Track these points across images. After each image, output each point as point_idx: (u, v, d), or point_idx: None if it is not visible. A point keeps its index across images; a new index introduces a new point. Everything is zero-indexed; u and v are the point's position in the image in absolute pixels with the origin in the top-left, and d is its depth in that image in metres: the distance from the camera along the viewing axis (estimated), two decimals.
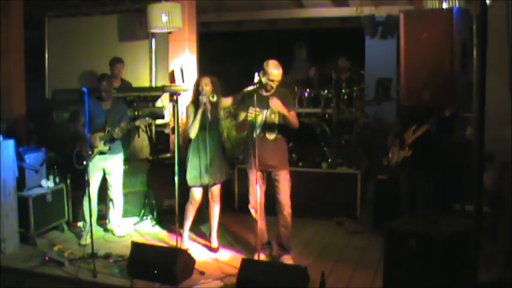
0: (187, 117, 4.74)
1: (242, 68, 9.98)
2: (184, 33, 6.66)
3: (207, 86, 4.65)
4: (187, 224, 4.90)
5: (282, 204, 4.52)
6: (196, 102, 4.68)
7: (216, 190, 4.87)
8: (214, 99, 4.61)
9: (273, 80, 4.35)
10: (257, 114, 4.33)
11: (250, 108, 4.29)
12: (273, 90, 4.41)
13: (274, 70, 4.33)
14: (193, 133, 4.66)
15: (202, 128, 4.65)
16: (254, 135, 4.41)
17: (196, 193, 4.81)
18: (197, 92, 4.70)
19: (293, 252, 4.80)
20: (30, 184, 5.25)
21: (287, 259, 4.55)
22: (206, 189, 4.87)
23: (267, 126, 4.44)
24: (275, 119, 4.44)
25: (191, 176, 4.74)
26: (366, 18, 7.67)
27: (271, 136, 4.46)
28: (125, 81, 6.45)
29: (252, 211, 4.57)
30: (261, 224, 4.57)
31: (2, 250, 4.76)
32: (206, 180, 4.74)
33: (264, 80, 4.35)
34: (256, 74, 4.39)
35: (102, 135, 5.04)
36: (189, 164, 4.75)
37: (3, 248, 4.77)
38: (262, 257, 4.44)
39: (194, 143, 4.72)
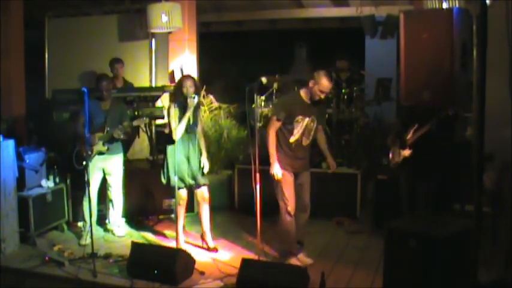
0: (171, 118, 4.66)
1: (242, 68, 10.00)
2: (184, 33, 6.66)
3: (191, 87, 4.65)
4: (180, 224, 4.90)
5: (307, 204, 4.56)
6: (179, 103, 4.65)
7: (204, 192, 4.86)
8: (195, 100, 4.61)
9: (323, 91, 4.31)
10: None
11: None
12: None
13: (327, 82, 4.28)
14: (179, 135, 4.64)
15: (185, 130, 4.66)
16: (291, 140, 4.41)
17: (183, 193, 4.82)
18: (180, 92, 4.66)
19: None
20: (30, 184, 5.24)
21: (304, 256, 4.58)
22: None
23: (306, 133, 4.45)
24: (313, 126, 4.48)
25: (173, 178, 4.67)
26: (366, 18, 7.67)
27: (306, 142, 4.49)
28: (128, 82, 6.46)
29: (288, 216, 4.43)
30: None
31: (2, 250, 4.76)
32: (191, 181, 4.75)
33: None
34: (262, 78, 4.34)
35: (101, 135, 5.04)
36: (172, 166, 4.68)
37: (3, 248, 4.77)
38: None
39: (176, 145, 4.65)
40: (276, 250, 4.74)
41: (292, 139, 4.42)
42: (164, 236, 5.41)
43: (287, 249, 4.52)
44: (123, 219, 5.61)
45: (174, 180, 4.64)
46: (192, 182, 4.76)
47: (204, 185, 4.82)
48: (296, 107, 4.38)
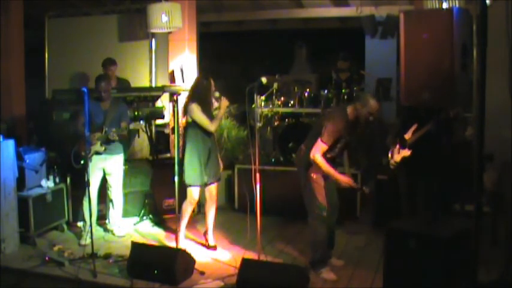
0: (200, 115, 4.66)
1: (242, 68, 10.01)
2: (184, 33, 6.66)
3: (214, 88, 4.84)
4: (184, 223, 4.91)
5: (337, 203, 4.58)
6: (202, 102, 4.69)
7: (214, 189, 4.89)
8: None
9: (371, 113, 4.16)
10: None
11: None
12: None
13: (375, 103, 4.12)
14: (215, 127, 4.78)
15: (203, 128, 4.70)
16: (329, 156, 4.23)
17: (195, 193, 4.83)
18: (207, 93, 4.75)
19: (293, 252, 4.82)
20: (30, 184, 5.24)
21: (336, 259, 4.57)
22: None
23: (342, 150, 4.42)
24: (349, 143, 4.47)
25: (192, 175, 4.73)
26: (366, 18, 7.68)
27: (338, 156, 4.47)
28: (122, 79, 6.44)
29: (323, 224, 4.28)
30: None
31: (2, 250, 4.76)
32: (206, 179, 4.77)
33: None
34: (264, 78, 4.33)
35: (99, 135, 5.03)
36: (189, 164, 4.73)
37: (3, 248, 4.76)
38: None
39: (194, 143, 4.72)
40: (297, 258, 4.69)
41: (329, 155, 4.25)
42: (164, 235, 5.41)
43: (320, 258, 4.30)
44: (124, 219, 5.61)
45: (194, 178, 4.69)
46: (205, 180, 4.78)
47: (212, 183, 4.84)
48: (344, 130, 4.19)
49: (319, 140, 4.11)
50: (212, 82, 4.81)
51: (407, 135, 4.56)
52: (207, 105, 4.79)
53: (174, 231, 4.87)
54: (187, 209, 4.86)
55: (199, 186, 4.81)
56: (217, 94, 4.80)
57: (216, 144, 4.98)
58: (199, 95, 4.74)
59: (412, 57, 3.03)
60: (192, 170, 4.72)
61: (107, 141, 5.07)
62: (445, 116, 4.40)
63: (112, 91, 5.36)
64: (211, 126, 4.72)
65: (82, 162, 4.82)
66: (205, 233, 5.04)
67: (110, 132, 4.96)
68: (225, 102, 4.76)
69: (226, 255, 4.79)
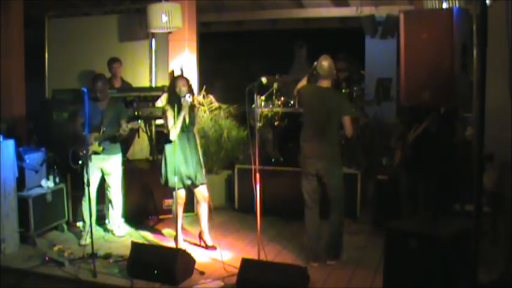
0: (167, 119, 4.64)
1: (242, 68, 9.99)
2: (184, 33, 6.67)
3: (184, 87, 4.66)
4: (179, 224, 4.91)
5: None
6: (173, 104, 4.60)
7: (203, 191, 4.87)
8: (190, 99, 4.60)
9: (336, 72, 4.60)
10: None
11: None
12: None
13: (324, 62, 4.43)
14: (175, 135, 4.61)
15: (181, 130, 4.65)
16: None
17: (181, 193, 4.84)
18: (174, 93, 4.66)
19: (293, 252, 4.82)
20: (30, 184, 5.24)
21: None
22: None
23: None
24: None
25: (172, 179, 4.67)
26: (366, 18, 7.68)
27: None
28: (125, 82, 6.45)
29: None
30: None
31: (2, 250, 4.76)
32: (188, 182, 4.76)
33: None
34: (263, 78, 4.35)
35: (97, 135, 5.03)
36: (169, 167, 4.69)
37: (3, 248, 4.77)
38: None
39: (171, 147, 4.64)
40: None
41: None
42: (164, 236, 5.40)
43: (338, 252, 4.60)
44: (123, 219, 5.61)
45: (173, 180, 4.63)
46: (188, 182, 4.77)
47: (202, 184, 4.83)
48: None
49: (345, 118, 4.40)
50: (180, 82, 4.67)
51: (410, 135, 4.57)
52: (176, 106, 4.59)
53: (174, 231, 4.87)
54: (178, 210, 4.86)
55: (183, 187, 4.81)
56: (182, 93, 4.58)
57: (197, 146, 4.84)
58: (168, 96, 4.69)
59: (412, 57, 3.03)
60: (171, 173, 4.66)
61: (110, 140, 5.07)
62: (439, 112, 4.41)
63: (112, 91, 5.36)
64: (171, 132, 4.60)
65: (80, 162, 4.82)
66: (200, 234, 5.01)
67: (120, 130, 4.94)
68: (185, 103, 4.55)
69: (226, 255, 4.78)
